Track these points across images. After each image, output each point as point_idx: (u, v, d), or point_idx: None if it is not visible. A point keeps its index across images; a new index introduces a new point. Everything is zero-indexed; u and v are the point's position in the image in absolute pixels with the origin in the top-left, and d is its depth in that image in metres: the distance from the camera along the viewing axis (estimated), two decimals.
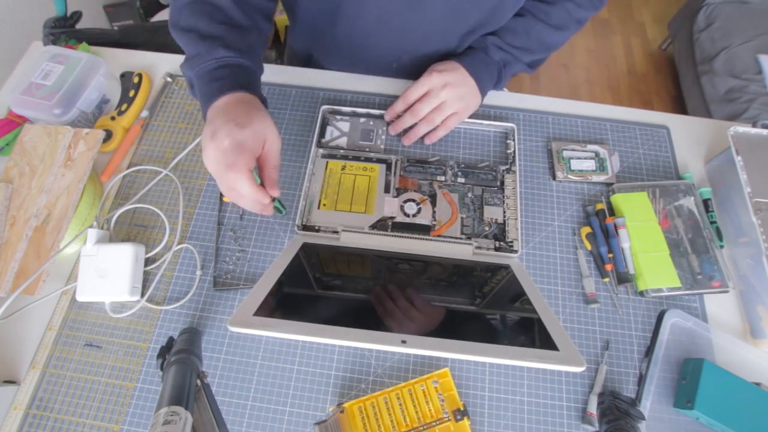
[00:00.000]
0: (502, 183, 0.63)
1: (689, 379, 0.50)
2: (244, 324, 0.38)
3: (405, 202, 0.61)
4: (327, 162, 0.63)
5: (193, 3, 0.52)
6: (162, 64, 0.73)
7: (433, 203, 0.61)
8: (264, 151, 0.47)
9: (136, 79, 0.69)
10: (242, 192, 0.45)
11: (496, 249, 0.58)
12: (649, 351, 0.54)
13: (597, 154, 0.65)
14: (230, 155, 0.43)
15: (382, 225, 0.59)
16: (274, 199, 0.50)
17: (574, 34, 0.66)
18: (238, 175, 0.44)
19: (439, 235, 0.58)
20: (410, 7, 0.58)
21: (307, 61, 0.77)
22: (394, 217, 0.59)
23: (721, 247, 0.58)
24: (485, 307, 0.49)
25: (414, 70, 0.69)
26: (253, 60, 0.53)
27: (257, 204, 0.47)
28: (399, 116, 0.64)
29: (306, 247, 0.54)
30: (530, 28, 0.63)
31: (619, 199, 0.60)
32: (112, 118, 0.66)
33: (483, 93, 0.63)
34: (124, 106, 0.67)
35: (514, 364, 0.39)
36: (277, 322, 0.40)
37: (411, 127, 0.64)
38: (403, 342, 0.39)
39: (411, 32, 0.63)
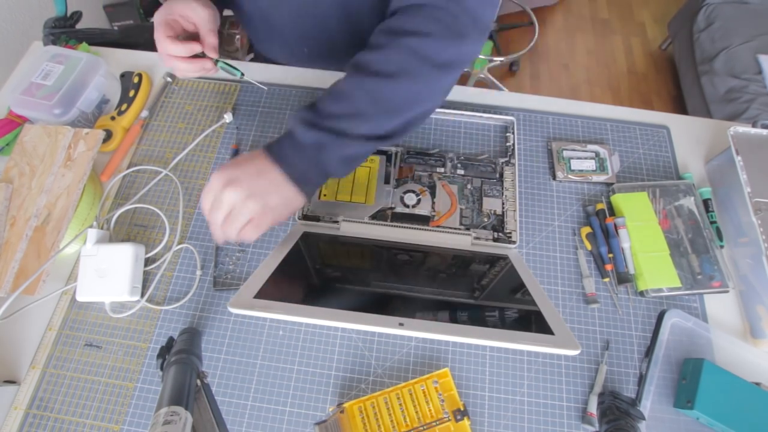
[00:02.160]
0: (501, 175, 0.63)
1: (689, 379, 0.50)
2: (244, 306, 0.39)
3: (405, 193, 0.61)
4: None
5: None
6: (162, 64, 0.73)
7: (433, 194, 0.61)
8: (196, 24, 0.54)
9: (136, 79, 0.69)
10: (165, 51, 0.53)
11: (495, 240, 0.58)
12: (649, 351, 0.54)
13: (597, 154, 0.65)
14: (157, 31, 0.53)
15: (381, 215, 0.59)
16: (217, 62, 0.57)
17: (434, 79, 0.45)
18: (160, 41, 0.53)
19: (438, 226, 0.59)
20: None
21: (257, 55, 0.81)
22: (393, 208, 0.60)
23: (721, 247, 0.58)
24: (484, 295, 0.50)
25: (328, 57, 0.70)
26: None
27: (171, 60, 0.54)
28: None
29: (306, 236, 0.54)
30: (358, 85, 0.45)
31: (619, 199, 0.60)
32: (112, 118, 0.66)
33: (302, 187, 0.46)
34: (124, 106, 0.67)
35: (510, 347, 0.39)
36: (276, 305, 0.40)
37: None
38: (401, 324, 0.39)
39: (303, 15, 0.62)
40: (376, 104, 0.45)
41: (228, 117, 0.67)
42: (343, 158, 0.47)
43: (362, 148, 0.47)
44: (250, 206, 0.44)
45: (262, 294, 0.41)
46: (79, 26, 0.78)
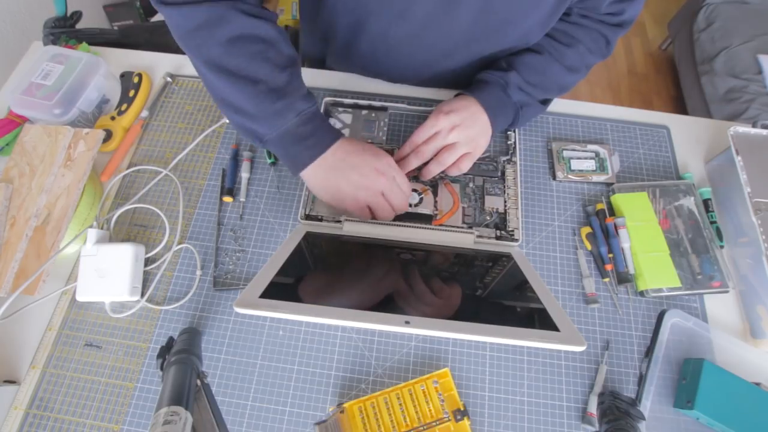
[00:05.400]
0: (503, 173, 0.63)
1: (689, 379, 0.50)
2: (250, 305, 0.39)
3: None
4: None
5: (237, 40, 0.47)
6: (162, 64, 0.73)
7: (435, 193, 0.61)
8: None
9: (136, 79, 0.69)
10: (404, 189, 0.55)
11: (497, 238, 0.58)
12: (649, 351, 0.54)
13: (597, 154, 0.65)
14: (386, 172, 0.53)
15: None
16: None
17: (581, 80, 0.64)
18: (400, 179, 0.55)
19: (440, 225, 0.59)
20: (437, 26, 0.57)
21: (320, 64, 0.75)
22: None
23: (721, 247, 0.58)
24: (487, 294, 0.50)
25: (433, 84, 0.69)
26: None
27: (407, 197, 0.56)
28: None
29: (309, 236, 0.54)
30: (547, 67, 0.60)
31: (619, 199, 0.60)
32: (112, 118, 0.66)
33: (495, 131, 0.60)
34: (124, 106, 0.67)
35: (516, 343, 0.39)
36: (282, 304, 0.40)
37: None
38: (407, 323, 0.39)
39: (435, 50, 0.61)
40: (556, 84, 0.62)
41: None
42: (529, 116, 0.64)
43: (538, 111, 0.64)
44: (470, 145, 0.58)
45: (267, 294, 0.41)
46: (79, 26, 0.78)
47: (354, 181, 0.52)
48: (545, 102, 0.64)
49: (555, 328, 0.41)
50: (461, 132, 0.57)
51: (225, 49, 0.47)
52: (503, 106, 0.59)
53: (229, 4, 0.46)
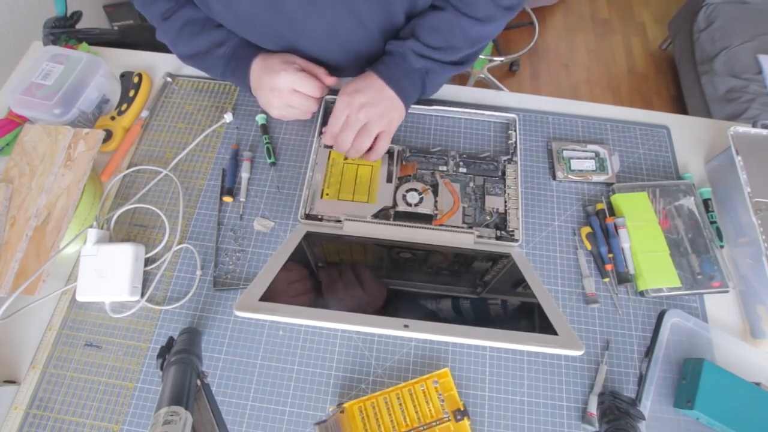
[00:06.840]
0: (504, 173, 0.63)
1: (689, 379, 0.50)
2: (250, 309, 0.39)
3: (407, 191, 0.61)
4: (330, 152, 0.63)
5: (178, 33, 0.61)
6: (162, 64, 0.73)
7: (435, 193, 0.61)
8: (310, 69, 0.59)
9: (136, 79, 0.69)
10: (306, 87, 0.58)
11: (497, 238, 0.58)
12: (649, 351, 0.54)
13: (597, 154, 0.65)
14: (283, 76, 0.57)
15: (384, 214, 0.59)
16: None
17: (506, 23, 0.59)
18: (297, 79, 0.57)
19: (440, 225, 0.59)
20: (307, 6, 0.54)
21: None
22: (396, 206, 0.60)
23: (721, 247, 0.58)
24: (486, 295, 0.49)
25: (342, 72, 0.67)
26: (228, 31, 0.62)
27: (320, 89, 0.59)
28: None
29: (309, 236, 0.54)
30: (454, 24, 0.56)
31: (619, 199, 0.60)
32: (112, 118, 0.66)
33: (407, 104, 0.58)
34: (124, 106, 0.67)
35: (514, 347, 0.39)
36: (283, 307, 0.40)
37: None
38: (406, 326, 0.39)
39: (332, 30, 0.57)
40: (466, 40, 0.57)
41: (228, 117, 0.67)
42: (438, 82, 0.60)
43: (450, 72, 0.60)
44: (381, 123, 0.56)
45: (267, 296, 0.41)
46: (79, 26, 0.78)
47: (267, 90, 0.59)
48: (463, 61, 0.60)
49: (553, 332, 0.41)
50: (370, 110, 0.55)
51: (176, 45, 0.63)
52: (406, 75, 0.57)
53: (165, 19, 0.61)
